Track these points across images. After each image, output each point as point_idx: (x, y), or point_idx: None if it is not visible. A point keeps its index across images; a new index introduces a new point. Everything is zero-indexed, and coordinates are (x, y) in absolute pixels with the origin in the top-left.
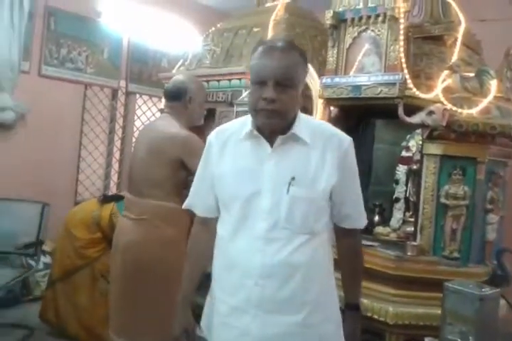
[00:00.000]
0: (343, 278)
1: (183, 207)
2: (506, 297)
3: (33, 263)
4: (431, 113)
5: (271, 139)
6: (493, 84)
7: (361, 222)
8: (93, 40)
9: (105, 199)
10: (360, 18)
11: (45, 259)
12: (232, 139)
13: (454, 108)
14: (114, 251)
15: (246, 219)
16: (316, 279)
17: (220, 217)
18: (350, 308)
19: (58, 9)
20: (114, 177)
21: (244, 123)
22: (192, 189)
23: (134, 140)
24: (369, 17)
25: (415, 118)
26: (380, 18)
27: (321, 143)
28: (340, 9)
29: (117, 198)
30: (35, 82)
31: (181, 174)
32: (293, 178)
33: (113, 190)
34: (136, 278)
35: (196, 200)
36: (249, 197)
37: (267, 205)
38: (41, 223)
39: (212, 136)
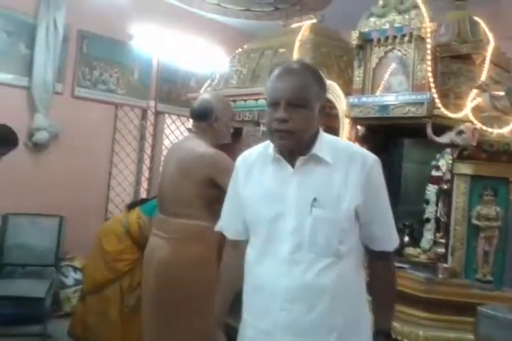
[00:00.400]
0: (374, 302)
1: (215, 229)
2: None
3: (63, 279)
4: (460, 132)
5: (292, 161)
6: None
7: (391, 244)
8: (124, 62)
9: (131, 205)
10: (387, 38)
11: (76, 275)
12: (256, 163)
13: (484, 127)
14: (145, 270)
15: (271, 242)
16: (344, 303)
17: (249, 240)
18: (380, 334)
19: (91, 33)
20: (144, 195)
21: (268, 146)
22: (222, 212)
23: (162, 159)
24: (395, 37)
25: (445, 138)
26: (407, 38)
27: (343, 162)
28: (366, 29)
29: (141, 202)
30: (69, 102)
31: (211, 192)
32: (315, 199)
33: None
34: (169, 296)
35: (226, 223)
36: (273, 219)
37: (290, 227)
38: (59, 235)
39: (239, 161)
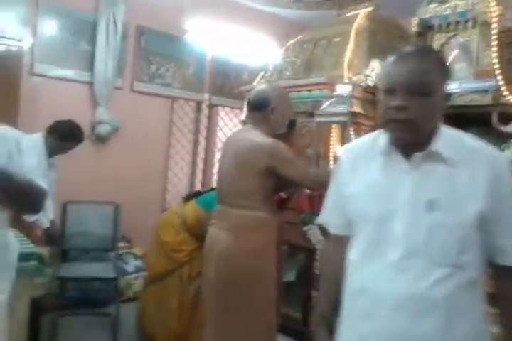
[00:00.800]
0: (504, 329)
1: (318, 221)
2: None
3: (124, 266)
4: None
5: (407, 156)
6: None
7: None
8: (179, 56)
9: (187, 197)
10: (448, 24)
11: (136, 262)
12: (363, 156)
13: None
14: (206, 260)
15: (377, 244)
16: (459, 319)
17: (353, 240)
18: None
19: (148, 28)
20: (199, 186)
21: (377, 138)
22: (325, 205)
23: (216, 150)
24: (458, 22)
25: (511, 127)
26: (470, 24)
27: (468, 162)
28: (427, 16)
29: (197, 194)
30: (128, 96)
31: (271, 182)
32: (432, 202)
33: None
34: (230, 286)
35: (329, 217)
36: (381, 218)
37: (401, 230)
38: (116, 221)
39: (342, 154)
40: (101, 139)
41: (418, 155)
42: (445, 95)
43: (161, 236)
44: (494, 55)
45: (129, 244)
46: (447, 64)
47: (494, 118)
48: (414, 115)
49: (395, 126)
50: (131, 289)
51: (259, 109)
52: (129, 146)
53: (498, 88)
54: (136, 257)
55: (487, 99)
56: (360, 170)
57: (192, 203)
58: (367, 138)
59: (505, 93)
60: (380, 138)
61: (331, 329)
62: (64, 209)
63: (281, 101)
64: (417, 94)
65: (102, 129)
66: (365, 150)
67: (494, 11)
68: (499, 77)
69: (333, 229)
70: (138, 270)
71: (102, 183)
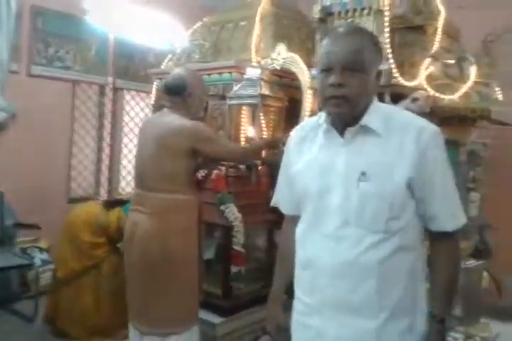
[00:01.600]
0: (431, 286)
1: (271, 204)
2: (488, 269)
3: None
4: (415, 100)
5: (345, 132)
6: (473, 70)
7: (451, 223)
8: (80, 37)
9: (110, 203)
10: (347, 12)
11: (42, 256)
12: (308, 135)
13: (437, 94)
14: (128, 245)
15: (318, 217)
16: (396, 284)
17: (301, 215)
18: (435, 321)
19: (44, 8)
20: (105, 173)
21: (321, 116)
22: (276, 187)
23: (123, 135)
24: (355, 10)
25: (401, 106)
26: (366, 11)
27: (397, 134)
28: (328, 3)
29: (121, 202)
30: (25, 81)
31: (193, 164)
32: (363, 173)
33: (104, 186)
34: (155, 266)
35: (279, 198)
36: (319, 193)
37: (337, 202)
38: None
39: (292, 133)
40: None
41: (351, 129)
42: (378, 73)
43: (77, 234)
44: (387, 40)
45: (33, 238)
46: (379, 42)
47: (387, 98)
48: (350, 91)
49: (333, 102)
50: (38, 284)
51: (177, 93)
52: (29, 133)
53: (390, 70)
54: (41, 250)
55: (381, 81)
56: (305, 148)
57: (118, 211)
58: (313, 118)
59: (396, 75)
60: (323, 116)
61: (285, 305)
62: None
63: (197, 85)
64: (352, 71)
65: None
66: (309, 130)
67: (386, 0)
68: (391, 60)
69: (284, 210)
70: (44, 263)
71: (1, 172)
